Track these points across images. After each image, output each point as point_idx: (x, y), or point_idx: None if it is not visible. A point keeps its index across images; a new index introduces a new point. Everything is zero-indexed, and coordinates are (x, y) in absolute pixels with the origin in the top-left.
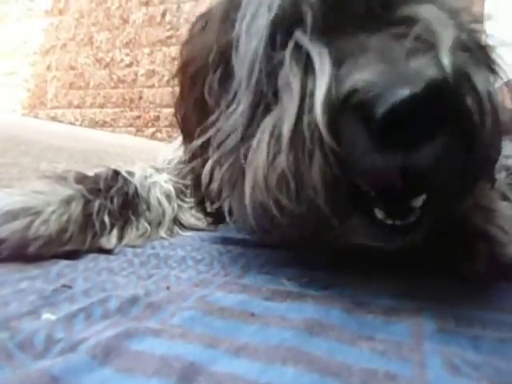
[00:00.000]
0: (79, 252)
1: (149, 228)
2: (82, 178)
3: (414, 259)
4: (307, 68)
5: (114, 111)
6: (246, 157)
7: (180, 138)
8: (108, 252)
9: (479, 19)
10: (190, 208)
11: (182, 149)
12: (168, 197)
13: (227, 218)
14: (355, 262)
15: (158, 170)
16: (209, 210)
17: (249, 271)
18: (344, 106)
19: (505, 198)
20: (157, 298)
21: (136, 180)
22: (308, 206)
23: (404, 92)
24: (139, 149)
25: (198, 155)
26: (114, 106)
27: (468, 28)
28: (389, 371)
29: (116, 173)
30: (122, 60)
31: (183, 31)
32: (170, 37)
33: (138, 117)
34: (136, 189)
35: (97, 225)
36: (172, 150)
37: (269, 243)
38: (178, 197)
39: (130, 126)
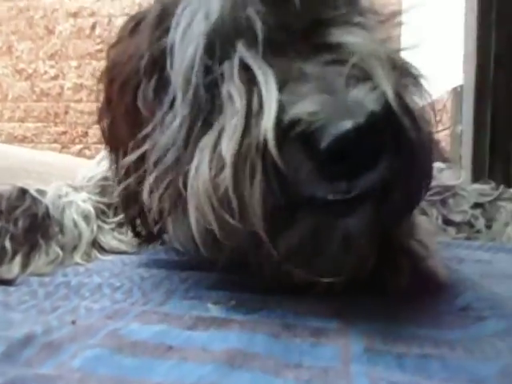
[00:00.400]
0: None
1: (61, 253)
2: None
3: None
4: (251, 86)
5: (36, 126)
6: (186, 175)
7: (102, 153)
8: (8, 283)
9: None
10: (112, 229)
11: (107, 164)
12: (86, 217)
13: (166, 237)
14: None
15: (76, 189)
16: (139, 229)
17: (172, 297)
18: (288, 134)
19: (423, 212)
20: (58, 335)
21: (47, 199)
22: (249, 228)
23: (347, 124)
24: (64, 166)
25: (132, 171)
26: (36, 121)
27: (392, 49)
28: None
29: (23, 191)
30: (45, 72)
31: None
32: (100, 50)
33: (64, 132)
34: (47, 209)
35: None
36: (93, 166)
37: (212, 261)
38: (98, 217)
39: (55, 142)
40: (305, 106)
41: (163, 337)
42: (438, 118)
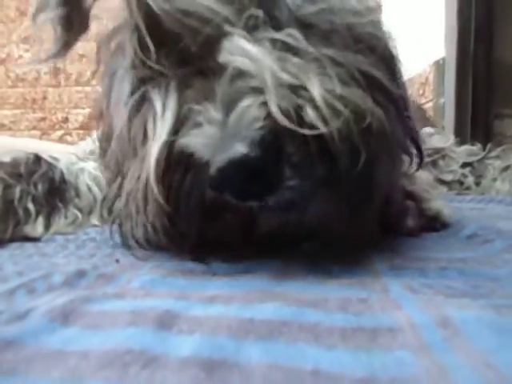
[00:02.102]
0: (1, 242)
1: (79, 215)
2: None
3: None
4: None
5: (14, 113)
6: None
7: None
8: (34, 240)
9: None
10: None
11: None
12: (99, 184)
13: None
14: None
15: (83, 159)
16: None
17: None
18: (177, 166)
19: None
20: (107, 270)
21: (62, 165)
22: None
23: (229, 156)
24: (46, 153)
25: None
26: (13, 107)
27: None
28: (360, 297)
29: (38, 158)
30: (20, 56)
31: (93, 28)
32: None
33: (43, 119)
34: (63, 174)
35: (20, 212)
36: (91, 141)
37: None
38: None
39: (34, 128)
40: (193, 139)
41: (206, 267)
42: (421, 91)
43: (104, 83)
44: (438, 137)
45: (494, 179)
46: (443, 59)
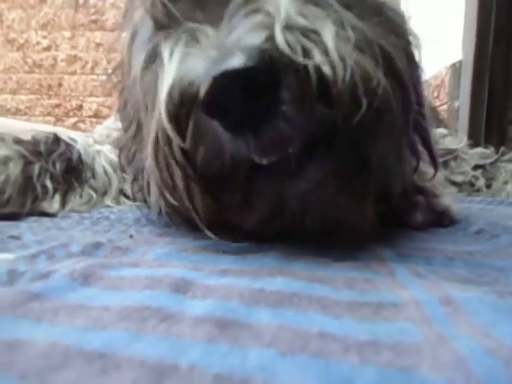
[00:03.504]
0: (19, 215)
1: (94, 195)
2: (20, 140)
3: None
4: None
5: (29, 98)
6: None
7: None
8: (50, 216)
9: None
10: None
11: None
12: (113, 166)
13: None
14: None
15: (99, 142)
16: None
17: None
18: (184, 101)
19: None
20: (122, 243)
21: (79, 146)
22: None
23: (222, 67)
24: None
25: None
26: (28, 93)
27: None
28: (366, 278)
29: (57, 138)
30: (38, 42)
31: (109, 16)
32: (94, 21)
33: (58, 105)
34: (80, 155)
35: (38, 188)
36: (108, 124)
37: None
38: (121, 168)
39: (48, 114)
40: (193, 66)
41: (217, 245)
42: (435, 94)
43: (127, 33)
44: (451, 138)
45: (506, 182)
46: (460, 62)
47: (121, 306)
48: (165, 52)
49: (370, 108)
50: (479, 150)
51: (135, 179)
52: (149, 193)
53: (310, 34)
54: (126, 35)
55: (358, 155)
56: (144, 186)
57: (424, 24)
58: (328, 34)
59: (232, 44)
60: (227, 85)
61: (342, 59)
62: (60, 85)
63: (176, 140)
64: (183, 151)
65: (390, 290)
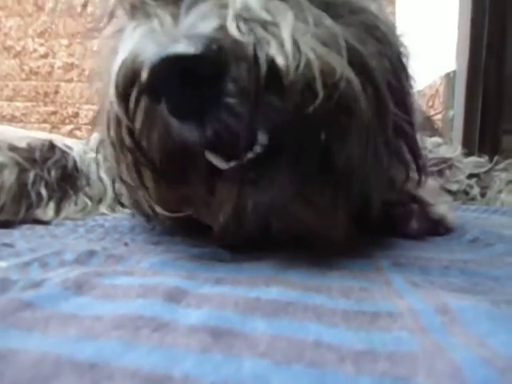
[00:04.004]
0: (12, 223)
1: (89, 203)
2: (15, 147)
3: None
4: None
5: (26, 105)
6: None
7: None
8: (45, 223)
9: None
10: None
11: None
12: (109, 174)
13: None
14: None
15: (95, 150)
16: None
17: None
18: (134, 81)
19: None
20: (116, 251)
21: (75, 154)
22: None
23: (165, 51)
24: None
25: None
26: (25, 100)
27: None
28: (362, 287)
29: (52, 145)
30: (35, 50)
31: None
32: (91, 29)
33: (54, 112)
34: (75, 163)
35: (32, 195)
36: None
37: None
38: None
39: (44, 121)
40: (135, 46)
41: (213, 254)
42: (430, 103)
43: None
44: (446, 147)
45: (500, 191)
46: (454, 72)
47: (114, 315)
48: (126, 32)
49: (329, 100)
50: (473, 158)
51: (114, 178)
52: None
53: (269, 26)
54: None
55: (323, 155)
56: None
57: (419, 35)
58: (285, 26)
59: (182, 31)
60: (167, 70)
61: (298, 50)
62: (56, 92)
63: (124, 120)
64: (132, 133)
65: (386, 299)
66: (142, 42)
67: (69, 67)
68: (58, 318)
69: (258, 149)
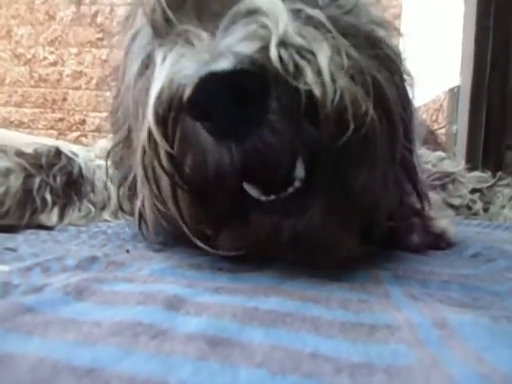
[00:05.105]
0: (16, 228)
1: (93, 209)
2: (21, 153)
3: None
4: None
5: (33, 111)
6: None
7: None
8: (48, 229)
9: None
10: None
11: None
12: (114, 181)
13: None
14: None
15: (100, 157)
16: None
17: None
18: (173, 104)
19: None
20: (117, 258)
21: (80, 160)
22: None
23: (209, 68)
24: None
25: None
26: (33, 106)
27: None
28: (361, 299)
29: (59, 151)
30: (45, 58)
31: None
32: (100, 39)
33: (61, 119)
34: (80, 169)
35: (37, 201)
36: (109, 140)
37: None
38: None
39: (51, 128)
40: (181, 70)
41: (213, 262)
42: (434, 117)
43: (126, 38)
44: (449, 161)
45: (503, 206)
46: (458, 87)
47: (112, 321)
48: (158, 56)
49: (356, 134)
50: (477, 173)
51: (120, 185)
52: (132, 200)
53: (306, 53)
54: (125, 40)
55: (342, 182)
56: (127, 193)
57: (423, 50)
58: (323, 56)
59: (224, 48)
60: (213, 86)
61: (334, 82)
62: (64, 99)
63: (163, 144)
64: (170, 157)
65: (385, 312)
66: (179, 64)
67: (77, 75)
68: (57, 323)
69: (298, 183)
